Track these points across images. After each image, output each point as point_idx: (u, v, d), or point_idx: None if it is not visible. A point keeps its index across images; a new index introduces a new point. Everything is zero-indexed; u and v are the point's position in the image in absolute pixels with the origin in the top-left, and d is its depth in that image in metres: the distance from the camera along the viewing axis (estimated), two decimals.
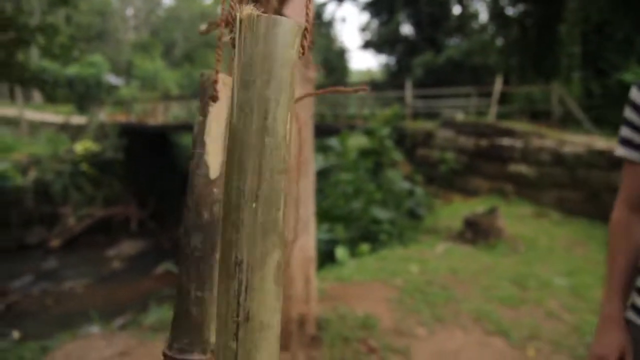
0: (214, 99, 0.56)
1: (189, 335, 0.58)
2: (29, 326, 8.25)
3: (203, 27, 0.91)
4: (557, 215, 7.31)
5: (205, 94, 0.58)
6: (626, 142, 1.08)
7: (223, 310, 0.41)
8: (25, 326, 8.17)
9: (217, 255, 0.58)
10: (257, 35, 0.41)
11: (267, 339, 0.41)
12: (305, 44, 0.45)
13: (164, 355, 0.55)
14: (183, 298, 0.58)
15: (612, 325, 1.03)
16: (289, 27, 0.41)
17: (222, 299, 0.41)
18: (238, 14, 0.42)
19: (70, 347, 3.55)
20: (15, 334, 7.42)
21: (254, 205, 0.40)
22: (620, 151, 1.09)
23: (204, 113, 0.58)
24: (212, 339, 0.53)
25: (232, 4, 0.44)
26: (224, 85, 0.58)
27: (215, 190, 0.58)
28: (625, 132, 1.09)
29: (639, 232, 1.08)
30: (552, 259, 5.17)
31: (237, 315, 0.40)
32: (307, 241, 3.34)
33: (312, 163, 3.39)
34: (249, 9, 0.41)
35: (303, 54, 0.45)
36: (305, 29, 0.45)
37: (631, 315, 1.06)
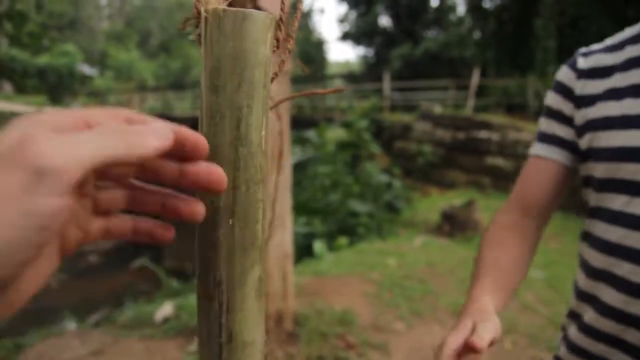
0: None
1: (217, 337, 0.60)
2: (1, 323, 8.07)
3: (182, 24, 0.87)
4: None
5: None
6: (546, 138, 0.89)
7: (204, 331, 0.40)
8: None
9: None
10: (224, 33, 0.36)
11: (251, 356, 0.40)
12: (280, 36, 0.41)
13: None
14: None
15: (465, 312, 0.76)
16: (259, 21, 0.36)
17: (202, 321, 0.40)
18: (202, 9, 0.37)
19: (44, 345, 3.47)
20: None
21: (230, 221, 0.38)
22: (538, 149, 0.90)
23: None
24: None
25: None
26: None
27: None
28: (545, 125, 0.91)
29: (533, 237, 0.90)
30: None
31: (220, 336, 0.39)
32: (284, 237, 3.31)
33: (289, 157, 3.35)
34: (214, 2, 0.36)
35: (277, 47, 0.41)
36: (280, 19, 0.41)
37: (562, 350, 0.89)
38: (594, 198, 0.85)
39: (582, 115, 0.85)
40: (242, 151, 0.37)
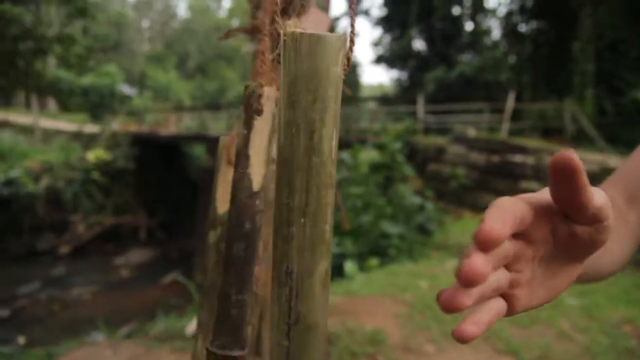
0: (259, 112, 0.57)
1: (229, 334, 0.63)
2: (35, 332, 8.26)
3: (221, 35, 0.91)
4: None
5: (249, 107, 0.60)
6: None
7: (276, 313, 0.45)
8: (31, 332, 8.18)
9: (257, 263, 0.63)
10: (301, 54, 0.41)
11: (315, 337, 0.45)
12: (350, 56, 0.46)
13: (207, 350, 0.61)
14: (224, 300, 0.63)
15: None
16: (333, 44, 0.41)
17: (275, 304, 0.45)
18: (281, 31, 0.42)
19: (76, 354, 3.54)
20: (21, 340, 7.44)
21: (302, 220, 0.43)
22: None
23: (249, 127, 0.60)
24: (249, 336, 0.59)
25: (276, 18, 0.45)
26: (268, 99, 0.60)
27: (257, 202, 0.60)
28: None
29: (636, 232, 0.67)
30: None
31: (289, 318, 0.44)
32: None
33: None
34: (292, 25, 0.42)
35: (348, 66, 0.45)
36: (351, 40, 0.46)
37: None
38: None
39: None
40: (315, 160, 0.42)
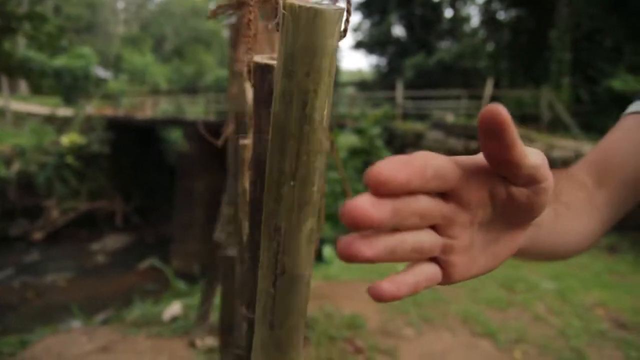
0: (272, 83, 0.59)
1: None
2: (8, 319, 8.12)
3: (209, 13, 0.90)
4: None
5: (264, 80, 0.62)
6: None
7: (264, 264, 0.50)
8: (5, 319, 8.03)
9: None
10: (299, 27, 0.41)
11: (298, 286, 0.49)
12: (347, 27, 0.48)
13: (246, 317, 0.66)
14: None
15: None
16: (331, 17, 0.42)
17: (264, 256, 0.50)
18: (280, 2, 0.42)
19: (51, 341, 3.47)
20: None
21: (292, 183, 0.46)
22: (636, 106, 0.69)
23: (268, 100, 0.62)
24: None
25: None
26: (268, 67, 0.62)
27: None
28: None
29: (602, 214, 0.65)
30: (539, 263, 5.19)
31: (276, 269, 0.49)
32: None
33: None
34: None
35: (344, 36, 0.47)
36: (348, 11, 0.48)
37: None
38: None
39: None
40: (306, 128, 0.44)
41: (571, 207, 0.60)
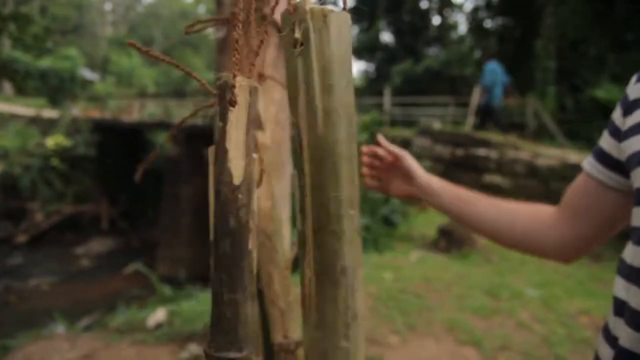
0: (233, 103, 0.53)
1: (225, 335, 0.60)
2: None
3: (188, 26, 0.86)
4: None
5: (223, 99, 0.56)
6: (597, 153, 0.78)
7: (330, 315, 0.43)
8: None
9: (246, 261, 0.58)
10: (331, 34, 0.38)
11: (363, 327, 0.45)
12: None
13: (205, 352, 0.57)
14: (217, 302, 0.61)
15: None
16: (348, 21, 0.40)
17: (329, 306, 0.43)
18: (307, 7, 0.39)
19: (32, 348, 3.43)
20: None
21: (351, 212, 0.41)
22: (585, 163, 0.81)
23: (224, 119, 0.56)
24: (248, 336, 0.57)
25: None
26: (242, 88, 0.57)
27: (240, 196, 0.57)
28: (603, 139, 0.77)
29: (541, 214, 0.88)
30: (524, 270, 5.22)
31: (347, 317, 0.42)
32: (283, 247, 3.29)
33: (289, 166, 3.34)
34: (311, 2, 0.39)
35: None
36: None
37: (601, 342, 0.74)
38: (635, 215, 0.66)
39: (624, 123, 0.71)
40: (353, 147, 0.41)
41: (474, 202, 0.95)
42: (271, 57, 3.62)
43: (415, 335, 3.47)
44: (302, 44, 0.40)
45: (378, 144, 1.05)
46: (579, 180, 0.83)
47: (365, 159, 1.08)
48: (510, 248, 0.94)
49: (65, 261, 11.62)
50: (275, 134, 3.48)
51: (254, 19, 0.69)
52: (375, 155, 1.07)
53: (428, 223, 7.14)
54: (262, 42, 0.54)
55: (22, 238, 12.40)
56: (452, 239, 5.81)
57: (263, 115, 3.36)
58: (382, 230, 6.98)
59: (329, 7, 0.39)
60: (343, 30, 0.38)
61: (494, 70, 9.78)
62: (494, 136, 9.31)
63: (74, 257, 12.05)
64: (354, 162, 0.41)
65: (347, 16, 0.39)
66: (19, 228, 12.65)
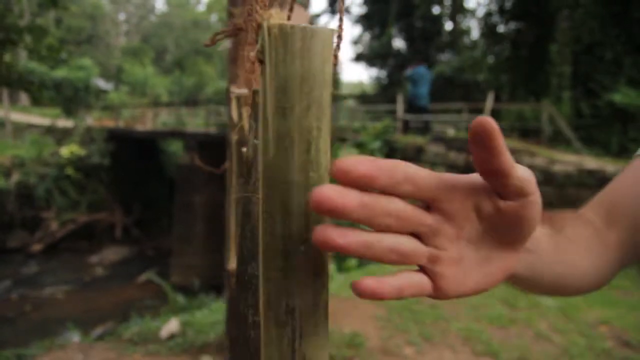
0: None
1: (248, 357, 0.59)
2: (5, 333, 8.04)
3: (208, 41, 0.85)
4: None
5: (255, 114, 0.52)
6: None
7: (275, 357, 0.38)
8: (2, 333, 7.96)
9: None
10: (293, 51, 0.34)
11: None
12: (338, 53, 0.40)
13: None
14: (241, 322, 0.59)
15: None
16: (326, 39, 0.35)
17: (273, 347, 0.38)
18: (265, 24, 0.34)
19: (46, 358, 3.42)
20: None
21: (302, 248, 0.36)
22: None
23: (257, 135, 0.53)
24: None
25: (256, 8, 0.37)
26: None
27: None
28: None
29: (614, 253, 0.62)
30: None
31: None
32: None
33: None
34: (277, 16, 0.35)
35: (335, 64, 0.39)
36: (339, 36, 0.41)
37: None
38: None
39: None
40: (313, 176, 0.36)
41: (576, 242, 0.58)
42: None
43: (431, 346, 3.40)
44: (261, 62, 0.36)
45: (491, 150, 0.41)
46: (629, 176, 0.65)
47: (368, 204, 0.39)
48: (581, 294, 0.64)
49: (80, 270, 11.68)
50: None
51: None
52: (423, 191, 0.41)
53: None
54: None
55: (37, 247, 12.51)
56: None
57: None
58: None
59: (313, 25, 0.34)
60: (312, 47, 0.34)
61: (422, 74, 11.28)
62: (508, 142, 9.21)
63: (88, 266, 12.12)
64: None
65: (324, 33, 0.34)
66: (34, 237, 12.76)
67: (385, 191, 0.34)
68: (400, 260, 0.36)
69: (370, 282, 0.34)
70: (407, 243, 0.36)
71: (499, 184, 0.37)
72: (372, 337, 3.44)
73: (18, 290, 10.29)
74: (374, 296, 0.34)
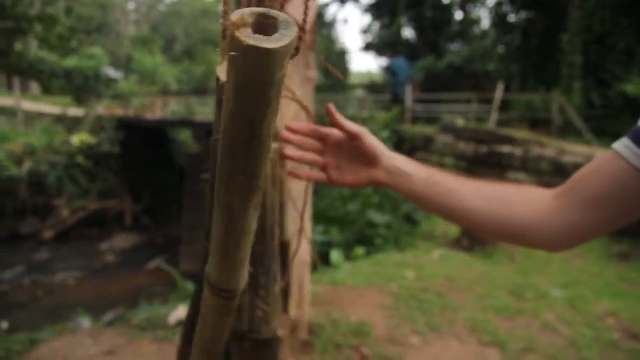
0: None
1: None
2: (18, 317, 8.16)
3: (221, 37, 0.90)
4: None
5: None
6: (635, 134, 0.70)
7: (217, 224, 0.57)
8: (14, 317, 8.07)
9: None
10: (249, 63, 0.41)
11: (246, 240, 0.59)
12: (300, 45, 0.51)
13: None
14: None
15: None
16: (279, 55, 0.41)
17: (217, 222, 0.57)
18: (231, 34, 0.41)
19: (57, 343, 3.48)
20: (4, 324, 7.33)
21: (240, 177, 0.51)
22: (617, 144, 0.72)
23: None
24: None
25: (227, 17, 0.50)
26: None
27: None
28: None
29: (536, 201, 0.77)
30: (549, 270, 5.12)
31: (228, 227, 0.56)
32: (303, 244, 3.27)
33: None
34: (244, 30, 0.41)
35: (296, 54, 0.49)
36: (301, 28, 0.51)
37: None
38: None
39: None
40: (254, 143, 0.48)
41: (463, 187, 0.80)
42: None
43: (437, 335, 3.42)
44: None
45: (331, 117, 0.84)
46: (601, 164, 0.72)
47: (300, 139, 0.86)
48: (497, 239, 0.85)
49: (90, 257, 11.80)
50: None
51: None
52: (318, 136, 0.86)
53: None
54: None
55: (48, 234, 12.64)
56: (475, 237, 5.72)
57: (283, 113, 3.29)
58: (403, 227, 6.92)
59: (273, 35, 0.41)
60: (265, 62, 0.41)
61: (399, 66, 13.69)
62: (518, 133, 9.15)
63: (99, 253, 12.24)
64: (252, 150, 0.48)
65: (275, 51, 0.40)
66: (46, 224, 12.89)
67: (306, 134, 0.86)
68: (314, 163, 0.85)
69: (290, 152, 0.86)
70: (316, 157, 0.86)
71: (343, 132, 0.85)
72: (378, 326, 3.46)
73: (30, 276, 10.43)
74: (287, 155, 0.86)
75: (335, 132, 0.85)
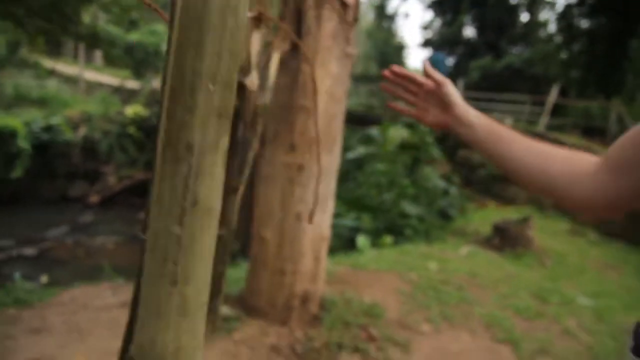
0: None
1: None
2: (58, 273, 8.54)
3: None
4: (594, 235, 6.94)
5: None
6: None
7: (167, 195, 0.39)
8: (54, 272, 8.45)
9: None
10: None
11: (211, 223, 0.40)
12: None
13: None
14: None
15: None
16: None
17: (165, 184, 0.40)
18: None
19: (78, 292, 3.62)
20: (44, 278, 7.69)
21: (211, 87, 0.38)
22: None
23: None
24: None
25: None
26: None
27: None
28: None
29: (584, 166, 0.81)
30: (579, 278, 4.91)
31: (184, 200, 0.38)
32: (323, 219, 3.26)
33: (339, 141, 3.28)
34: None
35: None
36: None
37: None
38: None
39: None
40: (231, 21, 0.38)
41: (532, 147, 0.86)
42: (330, 29, 3.52)
43: (450, 326, 3.34)
44: None
45: (425, 68, 1.02)
46: (634, 132, 0.75)
47: (399, 80, 1.05)
48: (539, 193, 0.90)
49: (131, 224, 12.19)
50: (329, 106, 3.40)
51: None
52: (413, 81, 1.04)
53: (485, 220, 6.87)
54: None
55: (94, 198, 13.14)
56: (507, 237, 5.55)
57: (318, 87, 3.24)
58: (436, 222, 6.80)
59: None
60: None
61: (440, 61, 14.74)
62: (568, 138, 8.80)
63: (139, 221, 12.63)
64: (228, 36, 0.37)
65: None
66: (93, 188, 13.41)
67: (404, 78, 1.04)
68: (401, 98, 1.06)
69: (387, 86, 1.08)
70: (406, 94, 1.04)
71: (431, 79, 1.00)
72: (391, 310, 3.42)
73: (74, 236, 10.88)
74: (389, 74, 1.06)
75: (428, 82, 1.00)
